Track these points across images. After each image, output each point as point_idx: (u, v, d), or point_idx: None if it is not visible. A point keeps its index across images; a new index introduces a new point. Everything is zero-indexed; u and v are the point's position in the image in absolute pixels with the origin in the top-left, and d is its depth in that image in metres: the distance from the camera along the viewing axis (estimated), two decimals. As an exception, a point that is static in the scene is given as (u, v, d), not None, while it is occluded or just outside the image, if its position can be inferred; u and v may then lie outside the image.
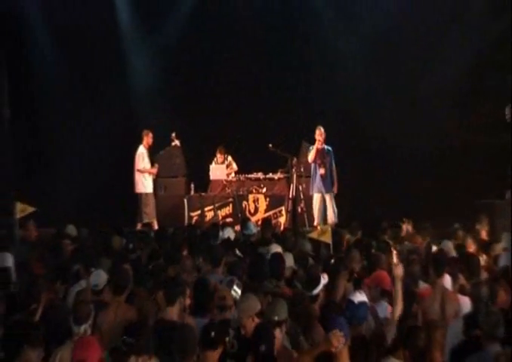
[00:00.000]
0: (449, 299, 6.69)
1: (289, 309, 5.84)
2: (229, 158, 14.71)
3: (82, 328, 5.85)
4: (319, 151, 13.50)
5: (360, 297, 5.89)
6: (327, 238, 9.02)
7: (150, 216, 13.70)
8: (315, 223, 13.13)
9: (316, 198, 13.54)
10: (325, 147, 13.59)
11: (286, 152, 13.85)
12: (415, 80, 15.00)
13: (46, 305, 6.45)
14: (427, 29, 14.91)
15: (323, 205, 13.48)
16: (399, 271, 6.23)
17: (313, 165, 13.59)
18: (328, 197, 13.51)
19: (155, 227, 12.77)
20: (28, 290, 6.77)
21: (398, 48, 14.98)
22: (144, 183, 13.93)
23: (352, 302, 5.81)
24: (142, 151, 13.97)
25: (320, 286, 6.64)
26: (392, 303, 6.31)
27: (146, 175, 13.97)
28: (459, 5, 14.62)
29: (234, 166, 14.70)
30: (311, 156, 13.51)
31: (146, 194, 13.92)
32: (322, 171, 13.52)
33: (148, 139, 14.00)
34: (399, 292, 6.14)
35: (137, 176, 13.93)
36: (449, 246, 9.09)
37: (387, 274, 6.94)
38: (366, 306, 5.92)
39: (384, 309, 6.42)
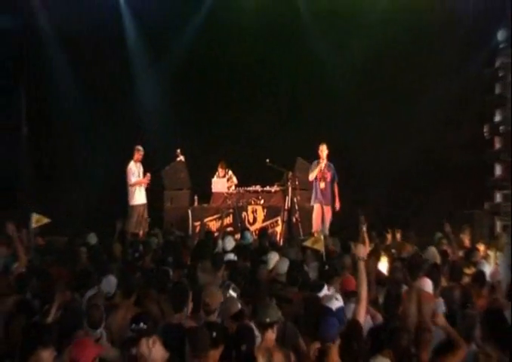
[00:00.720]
0: (425, 300, 6.69)
1: (297, 312, 5.82)
2: (230, 172, 14.76)
3: (98, 332, 5.77)
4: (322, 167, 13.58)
5: (337, 303, 5.89)
6: (320, 246, 8.94)
7: (130, 227, 13.35)
8: (313, 230, 13.05)
9: (317, 208, 13.58)
10: (327, 163, 13.67)
11: (282, 167, 13.92)
12: (403, 98, 15.08)
13: (60, 306, 6.33)
14: (417, 52, 15.02)
15: (322, 215, 13.55)
16: (360, 250, 6.10)
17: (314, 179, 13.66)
18: (325, 210, 13.56)
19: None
20: (42, 292, 6.76)
21: (386, 69, 15.05)
22: (130, 196, 13.83)
23: (330, 309, 5.76)
24: (131, 166, 13.88)
25: (322, 293, 6.56)
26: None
27: (137, 187, 13.88)
28: (448, 30, 14.71)
29: (234, 179, 14.74)
30: (315, 172, 13.52)
31: (132, 206, 13.84)
32: (322, 185, 13.56)
33: (138, 155, 13.94)
34: (362, 272, 5.99)
35: (130, 189, 13.89)
36: (434, 252, 9.13)
37: (351, 277, 6.84)
38: (343, 310, 5.92)
39: (351, 310, 6.15)
